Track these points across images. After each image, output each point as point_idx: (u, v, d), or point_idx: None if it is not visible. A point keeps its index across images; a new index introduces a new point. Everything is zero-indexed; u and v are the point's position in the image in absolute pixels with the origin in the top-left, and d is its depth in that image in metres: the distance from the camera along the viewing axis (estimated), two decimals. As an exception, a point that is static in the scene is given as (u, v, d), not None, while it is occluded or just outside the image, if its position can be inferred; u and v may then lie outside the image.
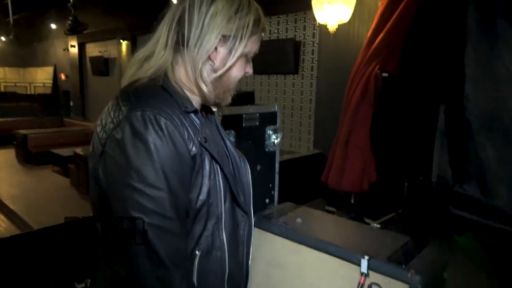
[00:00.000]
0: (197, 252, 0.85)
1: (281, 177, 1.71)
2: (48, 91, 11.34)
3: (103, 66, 9.04)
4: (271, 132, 1.62)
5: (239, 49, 0.86)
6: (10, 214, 3.65)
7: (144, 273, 0.75)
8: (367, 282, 1.19)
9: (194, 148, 0.80)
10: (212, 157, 0.84)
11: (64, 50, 10.37)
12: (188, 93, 0.89)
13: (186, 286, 0.78)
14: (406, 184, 3.82)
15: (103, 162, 0.79)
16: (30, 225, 2.46)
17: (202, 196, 0.83)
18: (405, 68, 3.48)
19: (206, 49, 0.84)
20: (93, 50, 9.64)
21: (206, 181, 0.84)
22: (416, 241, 1.35)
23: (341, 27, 3.70)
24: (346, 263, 1.26)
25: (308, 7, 3.87)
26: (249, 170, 1.07)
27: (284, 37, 5.08)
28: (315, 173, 3.81)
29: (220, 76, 0.89)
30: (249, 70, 0.95)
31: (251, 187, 1.07)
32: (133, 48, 7.94)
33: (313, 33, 4.79)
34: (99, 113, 0.88)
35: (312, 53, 4.82)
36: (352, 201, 3.56)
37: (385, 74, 3.35)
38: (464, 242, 3.61)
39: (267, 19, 4.02)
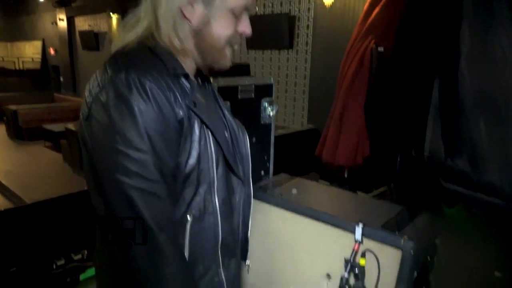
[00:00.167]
0: (188, 217, 0.85)
1: (275, 152, 1.72)
2: (37, 66, 11.09)
3: (93, 40, 8.83)
4: (266, 105, 1.62)
5: (216, 2, 0.83)
6: (2, 189, 3.64)
7: (126, 237, 0.75)
8: (361, 249, 1.22)
9: (181, 112, 0.79)
10: (203, 122, 0.84)
11: (52, 23, 10.08)
12: (180, 57, 0.87)
13: (171, 248, 0.77)
14: (398, 159, 3.87)
15: (88, 125, 0.78)
16: (23, 200, 2.46)
17: (192, 161, 0.83)
18: (401, 43, 3.46)
19: (176, 4, 0.82)
20: (82, 24, 9.38)
21: (195, 145, 0.83)
22: (409, 210, 1.38)
23: (337, 1, 3.65)
24: (341, 231, 1.29)
25: (304, -21, 3.79)
26: (248, 140, 1.07)
27: (279, 12, 4.99)
28: (309, 148, 3.83)
29: (200, 34, 0.86)
30: (245, 29, 0.90)
31: (249, 157, 1.07)
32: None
33: (308, 8, 4.70)
34: (90, 88, 0.87)
35: (307, 28, 4.75)
36: (346, 175, 3.61)
37: (380, 49, 3.33)
38: (453, 214, 3.71)
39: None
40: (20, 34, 11.51)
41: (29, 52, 11.67)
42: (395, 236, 1.18)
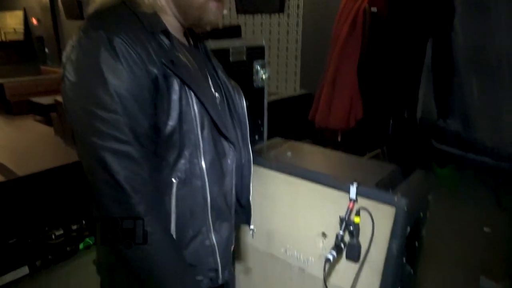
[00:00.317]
0: (173, 179, 0.83)
1: (268, 118, 1.71)
2: (20, 37, 10.70)
3: (77, 8, 8.48)
4: (259, 67, 1.59)
5: None
6: (-6, 164, 3.60)
7: (103, 196, 0.75)
8: (356, 207, 1.25)
9: (155, 70, 0.76)
10: (183, 82, 0.80)
11: (32, -9, 9.64)
12: (163, 15, 0.84)
13: (145, 209, 0.76)
14: (391, 121, 3.88)
15: (63, 86, 0.76)
16: (16, 173, 2.45)
17: (172, 122, 0.80)
18: (394, 3, 3.38)
19: None
20: (64, -9, 8.98)
21: (175, 106, 0.80)
22: (402, 168, 1.40)
23: (328, -41, 3.52)
24: (336, 191, 1.31)
25: None
26: (245, 102, 1.04)
27: (268, -28, 4.81)
28: (303, 113, 3.82)
29: None
30: None
31: (247, 120, 1.04)
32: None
33: (299, -32, 4.54)
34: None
35: (298, -10, 4.61)
36: (339, 139, 3.62)
37: (373, 9, 3.25)
38: (445, 174, 3.78)
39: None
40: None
41: (11, 22, 11.21)
42: (389, 193, 1.20)
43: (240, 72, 1.53)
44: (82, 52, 0.73)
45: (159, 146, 0.81)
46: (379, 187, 1.24)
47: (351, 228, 1.24)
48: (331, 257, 1.24)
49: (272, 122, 1.83)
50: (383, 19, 3.33)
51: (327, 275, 1.38)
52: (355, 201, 1.25)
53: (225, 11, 0.90)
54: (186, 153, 0.83)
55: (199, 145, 0.84)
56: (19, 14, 10.61)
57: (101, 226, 0.82)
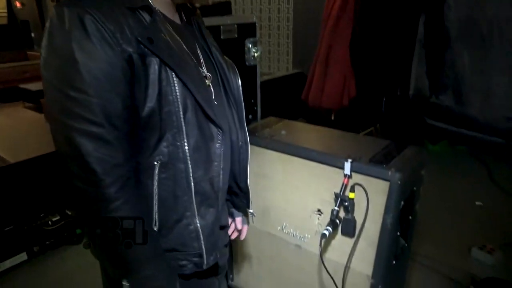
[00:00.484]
0: (155, 162, 0.81)
1: (261, 98, 1.70)
2: (4, 21, 10.40)
3: (62, -9, 8.25)
4: (250, 45, 1.57)
5: None
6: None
7: (74, 177, 0.73)
8: (350, 183, 1.26)
9: (129, 49, 0.72)
10: (163, 62, 0.76)
11: (14, -27, 9.32)
12: None
13: (116, 192, 0.74)
14: (384, 99, 3.89)
15: (41, 65, 0.74)
16: (7, 160, 2.42)
17: (151, 103, 0.77)
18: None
19: None
20: (47, -27, 8.71)
21: (153, 86, 0.76)
22: (396, 144, 1.41)
23: None
24: (331, 167, 1.32)
25: None
26: (240, 82, 1.01)
27: (258, -51, 4.70)
28: (295, 93, 3.80)
29: None
30: None
31: (242, 100, 1.01)
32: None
33: None
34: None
35: (288, -34, 4.51)
36: (332, 117, 3.63)
37: (365, -15, 3.21)
38: (437, 150, 3.82)
39: None
40: (-20, -13, 10.65)
41: (-7, 6, 10.86)
42: (383, 168, 1.21)
43: (232, 50, 1.50)
44: (54, 30, 0.70)
45: (139, 127, 0.78)
46: (373, 163, 1.25)
47: (346, 203, 1.25)
48: (327, 233, 1.25)
49: (265, 102, 1.82)
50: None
51: (323, 251, 1.40)
52: (350, 177, 1.26)
53: None
54: (169, 135, 0.80)
55: (182, 128, 0.81)
56: (2, -3, 10.29)
57: (74, 208, 0.80)
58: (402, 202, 1.23)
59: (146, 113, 0.77)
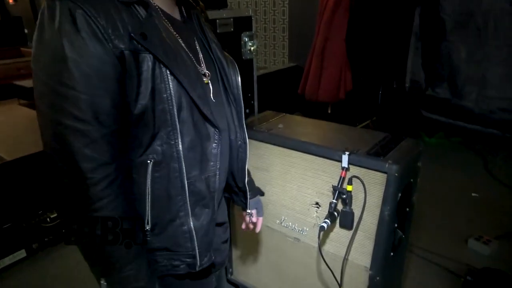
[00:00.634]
0: (148, 161, 0.79)
1: (258, 92, 1.70)
2: (-4, 18, 10.28)
3: (55, -14, 8.16)
4: (247, 39, 1.56)
5: None
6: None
7: (59, 174, 0.73)
8: (348, 175, 1.26)
9: (121, 45, 0.70)
10: (156, 58, 0.74)
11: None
12: None
13: (102, 191, 0.73)
14: (380, 92, 3.89)
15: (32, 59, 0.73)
16: (4, 158, 2.41)
17: (144, 101, 0.75)
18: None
19: None
20: (39, -32, 8.63)
21: (146, 84, 0.74)
22: (393, 136, 1.41)
23: None
24: (328, 160, 1.32)
25: None
26: (240, 80, 0.99)
27: None
28: (292, 87, 3.80)
29: None
30: None
31: (241, 98, 0.99)
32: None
33: None
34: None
35: (283, -41, 4.49)
36: (329, 111, 3.63)
37: (361, -23, 3.20)
38: (433, 143, 3.84)
39: None
40: (-29, -17, 10.50)
41: (-15, 3, 10.73)
42: (380, 161, 1.22)
43: (228, 44, 1.50)
44: (44, 24, 0.69)
45: (130, 124, 0.77)
46: (371, 155, 1.25)
47: (344, 196, 1.26)
48: (325, 225, 1.26)
49: (262, 96, 1.82)
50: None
51: (321, 243, 1.41)
52: (347, 169, 1.27)
53: None
54: (163, 134, 0.79)
55: (176, 126, 0.79)
56: (-6, -7, 10.16)
57: (59, 204, 0.78)
58: (399, 194, 1.24)
59: (138, 111, 0.75)
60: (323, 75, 3.32)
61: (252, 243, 1.72)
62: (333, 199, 1.28)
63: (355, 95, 3.58)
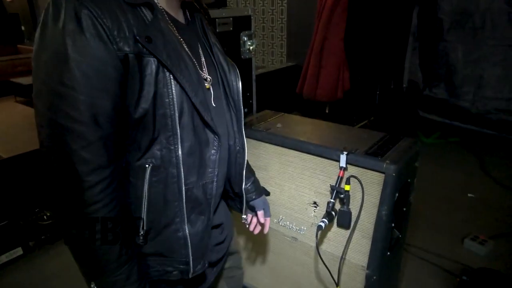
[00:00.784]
0: (146, 165, 0.79)
1: (256, 91, 1.70)
2: (-6, 15, 10.22)
3: (52, -17, 8.11)
4: (246, 38, 1.56)
5: None
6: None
7: (55, 176, 0.72)
8: (346, 175, 1.27)
9: (126, 48, 0.70)
10: (160, 62, 0.73)
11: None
12: None
13: (96, 194, 0.72)
14: (378, 92, 3.90)
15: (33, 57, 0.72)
16: (0, 155, 2.40)
17: (145, 105, 0.74)
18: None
19: None
20: (37, -36, 8.56)
21: (149, 88, 0.73)
22: (390, 136, 1.42)
23: None
24: (326, 160, 1.33)
25: None
26: (240, 85, 0.98)
27: None
28: (290, 86, 3.80)
29: None
30: None
31: (241, 104, 0.98)
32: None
33: None
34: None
35: (282, -42, 4.48)
36: (327, 110, 3.64)
37: (359, -23, 3.20)
38: (430, 143, 3.85)
39: None
40: (-32, -21, 10.43)
41: (-18, -1, 10.67)
42: (378, 161, 1.22)
43: (227, 43, 1.50)
44: (48, 22, 0.68)
45: (129, 127, 0.76)
46: (369, 155, 1.26)
47: (342, 195, 1.27)
48: (323, 225, 1.27)
49: (260, 96, 1.82)
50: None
51: (319, 243, 1.41)
52: (345, 169, 1.27)
53: None
54: (163, 139, 0.78)
55: (176, 131, 0.78)
56: (-9, -10, 10.10)
57: (52, 204, 0.77)
58: (397, 194, 1.24)
59: (139, 114, 0.75)
60: (321, 74, 3.32)
61: (249, 242, 1.72)
62: (331, 198, 1.29)
63: (353, 94, 3.58)
